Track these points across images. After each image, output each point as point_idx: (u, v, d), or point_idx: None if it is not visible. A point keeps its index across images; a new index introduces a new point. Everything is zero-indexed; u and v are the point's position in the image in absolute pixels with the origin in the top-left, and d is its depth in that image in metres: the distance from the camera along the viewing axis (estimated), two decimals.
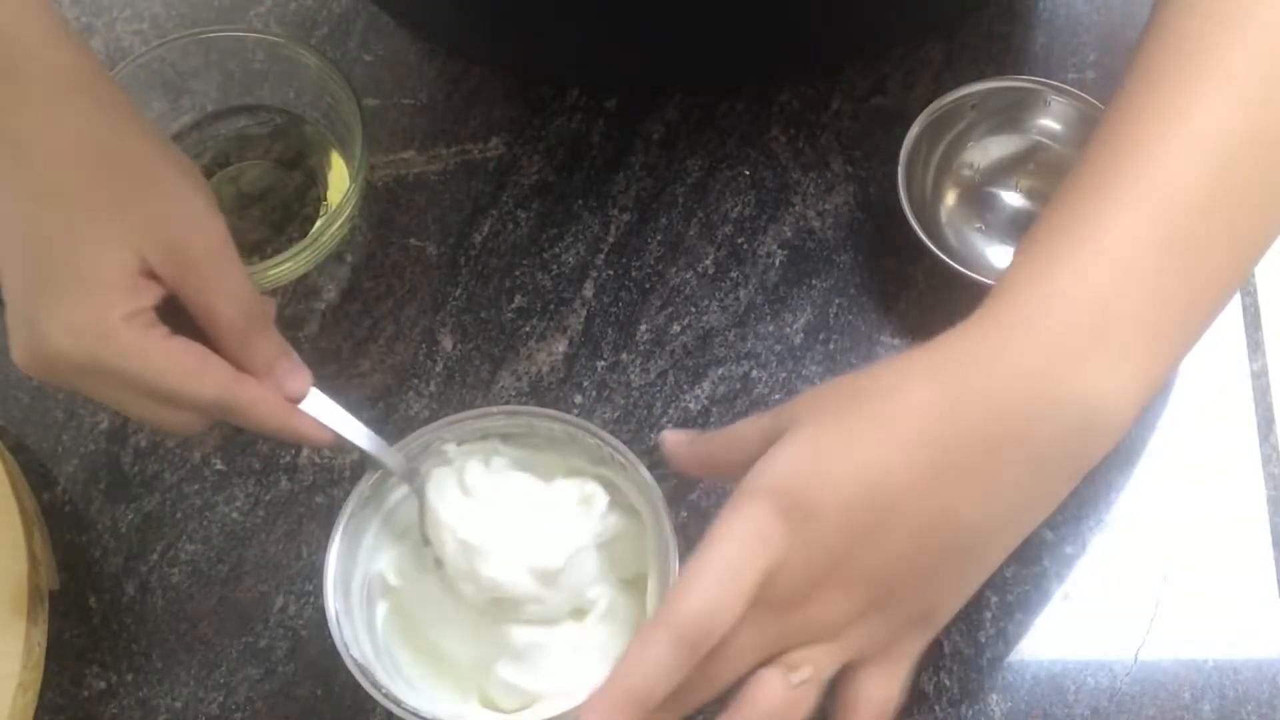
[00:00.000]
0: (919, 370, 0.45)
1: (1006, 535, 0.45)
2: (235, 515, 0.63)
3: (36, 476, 0.64)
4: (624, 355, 0.66)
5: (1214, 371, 0.65)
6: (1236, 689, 0.58)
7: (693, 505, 0.62)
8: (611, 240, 0.69)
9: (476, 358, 0.66)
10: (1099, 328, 0.43)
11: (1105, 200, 0.44)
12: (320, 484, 0.64)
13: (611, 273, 0.68)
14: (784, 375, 0.65)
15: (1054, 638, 0.60)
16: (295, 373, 0.53)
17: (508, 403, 0.65)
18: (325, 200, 0.69)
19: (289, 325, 0.66)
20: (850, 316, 0.67)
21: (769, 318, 0.67)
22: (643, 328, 0.67)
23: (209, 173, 0.69)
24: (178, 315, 0.50)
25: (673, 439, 0.52)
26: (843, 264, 0.68)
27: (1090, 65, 0.72)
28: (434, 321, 0.67)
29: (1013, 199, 0.68)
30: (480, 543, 0.54)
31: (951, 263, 0.62)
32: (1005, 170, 0.68)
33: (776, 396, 0.65)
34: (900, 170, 0.64)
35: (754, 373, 0.65)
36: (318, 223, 0.68)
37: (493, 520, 0.55)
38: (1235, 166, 0.43)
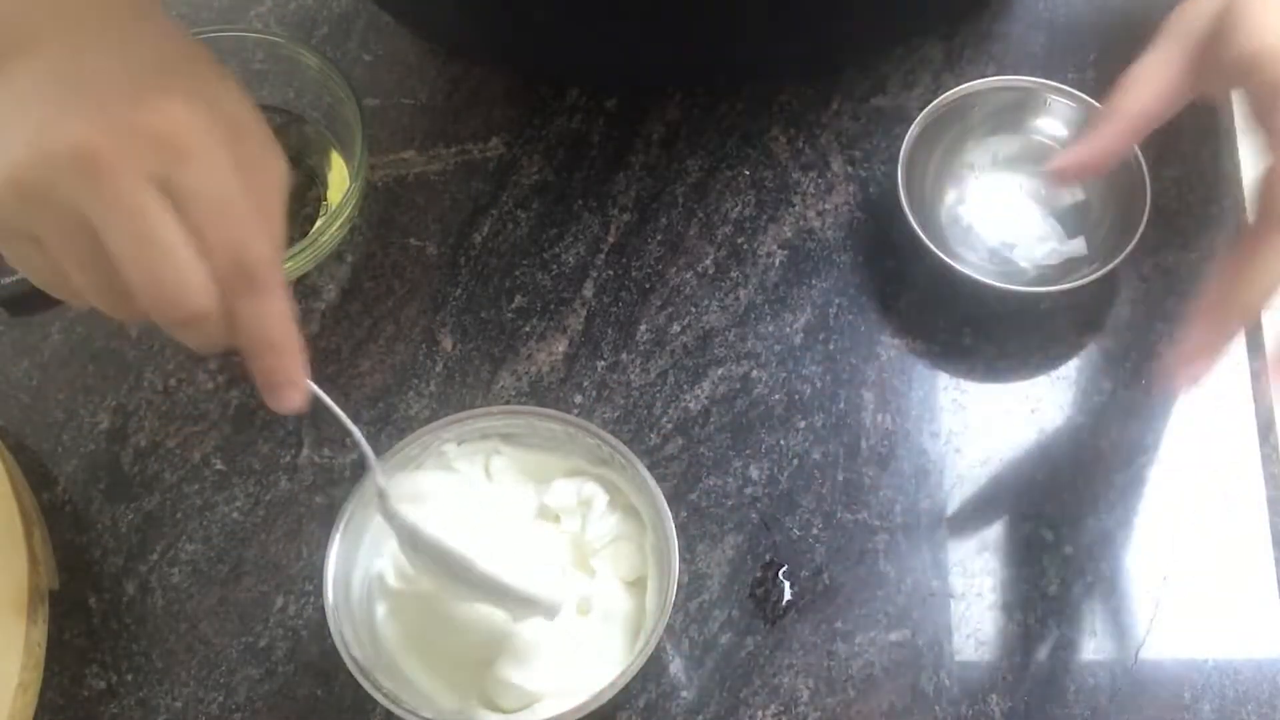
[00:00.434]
0: None
1: None
2: (235, 515, 0.63)
3: (36, 476, 0.64)
4: (624, 355, 0.66)
5: (1214, 371, 0.64)
6: (1236, 689, 0.58)
7: (693, 505, 0.62)
8: (611, 240, 0.69)
9: (476, 358, 0.66)
10: None
11: None
12: (320, 484, 0.64)
13: (611, 273, 0.68)
14: (784, 375, 0.65)
15: (1054, 638, 0.60)
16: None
17: (508, 403, 0.65)
18: (325, 200, 0.69)
19: None
20: (850, 316, 0.67)
21: (769, 318, 0.67)
22: (643, 328, 0.67)
23: None
24: None
25: (1063, 162, 0.54)
26: (843, 264, 0.68)
27: (1090, 65, 0.72)
28: (434, 321, 0.67)
29: (1013, 199, 0.68)
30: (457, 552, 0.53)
31: (951, 263, 0.62)
32: (1005, 170, 0.68)
33: (776, 396, 0.65)
34: (900, 170, 0.64)
35: (754, 373, 0.65)
36: (318, 223, 0.68)
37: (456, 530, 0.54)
38: None
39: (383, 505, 0.53)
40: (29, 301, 0.68)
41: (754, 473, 0.63)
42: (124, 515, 0.64)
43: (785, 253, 0.68)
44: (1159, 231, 0.67)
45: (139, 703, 0.60)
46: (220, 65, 0.48)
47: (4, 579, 0.59)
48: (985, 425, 0.64)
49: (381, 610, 0.57)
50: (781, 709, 0.58)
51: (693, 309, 0.67)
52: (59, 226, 0.42)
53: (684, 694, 0.59)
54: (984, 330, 0.66)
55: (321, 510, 0.63)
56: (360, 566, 0.57)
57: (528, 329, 0.67)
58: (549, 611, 0.53)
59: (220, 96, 0.45)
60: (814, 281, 0.67)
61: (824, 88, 0.72)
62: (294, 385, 0.47)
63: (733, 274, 0.68)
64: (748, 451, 0.64)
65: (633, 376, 0.66)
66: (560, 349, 0.66)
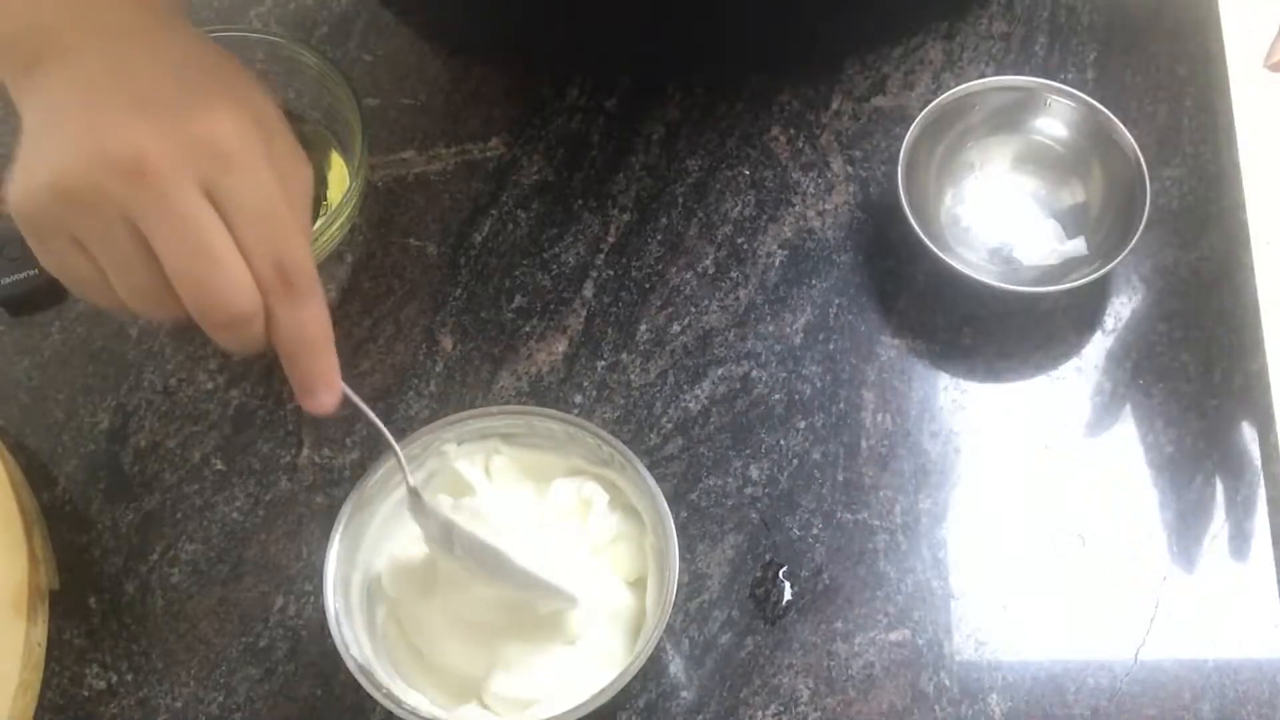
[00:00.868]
0: None
1: None
2: (235, 515, 0.63)
3: (36, 476, 0.64)
4: (624, 355, 0.66)
5: (1213, 370, 0.65)
6: (1236, 689, 0.58)
7: (693, 505, 0.62)
8: (611, 240, 0.69)
9: (476, 358, 0.66)
10: None
11: None
12: (320, 484, 0.64)
13: (611, 273, 0.68)
14: (784, 375, 0.65)
15: (1054, 638, 0.60)
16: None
17: (508, 403, 0.65)
18: (325, 200, 0.69)
19: None
20: (850, 316, 0.67)
21: (769, 318, 0.67)
22: (643, 328, 0.67)
23: None
24: None
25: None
26: (843, 264, 0.68)
27: (1090, 65, 0.72)
28: (434, 321, 0.67)
29: (1013, 199, 0.68)
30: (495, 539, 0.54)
31: (951, 263, 0.62)
32: (1005, 170, 0.68)
33: (776, 396, 0.65)
34: (900, 170, 0.64)
35: (754, 373, 0.65)
36: (318, 223, 0.68)
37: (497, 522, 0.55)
38: None
39: (416, 504, 0.54)
40: (29, 301, 0.68)
41: (754, 473, 0.63)
42: (124, 515, 0.64)
43: (785, 253, 0.68)
44: (1159, 231, 0.67)
45: (139, 703, 0.60)
46: (249, 71, 0.48)
47: (4, 579, 0.59)
48: (985, 425, 0.64)
49: (381, 612, 0.57)
50: (781, 709, 0.58)
51: (693, 309, 0.67)
52: (104, 230, 0.43)
53: (684, 694, 0.59)
54: (984, 330, 0.66)
55: (321, 510, 0.63)
56: (360, 567, 0.57)
57: (528, 329, 0.67)
58: (572, 602, 0.54)
59: (256, 103, 0.47)
60: (814, 281, 0.67)
61: (824, 88, 0.72)
62: (329, 388, 0.48)
63: (733, 274, 0.68)
64: (748, 451, 0.64)
65: (633, 376, 0.65)
66: (560, 349, 0.66)
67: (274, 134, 0.46)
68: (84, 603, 0.62)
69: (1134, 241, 0.62)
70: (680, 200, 0.70)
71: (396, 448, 0.54)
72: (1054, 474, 0.63)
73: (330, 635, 0.53)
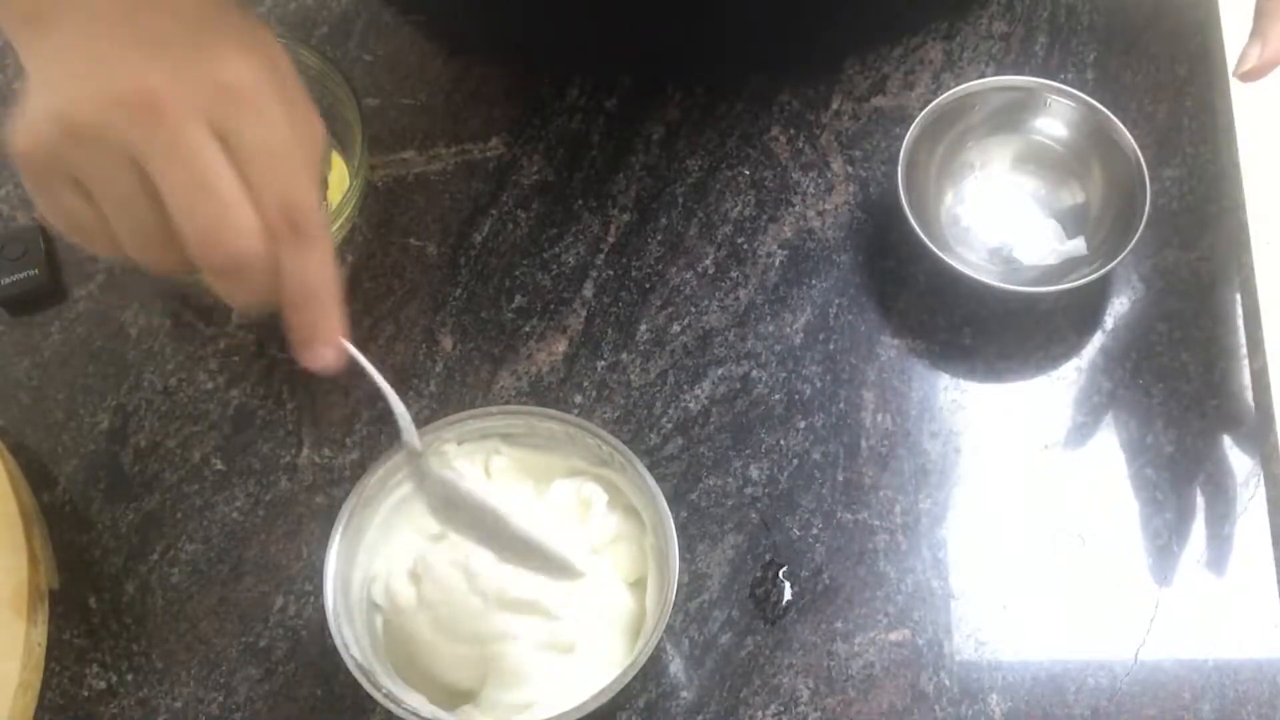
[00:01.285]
0: None
1: None
2: (235, 515, 0.63)
3: (36, 476, 0.64)
4: (624, 355, 0.66)
5: (1213, 370, 0.65)
6: (1236, 689, 0.58)
7: (693, 505, 0.62)
8: (611, 240, 0.69)
9: (476, 358, 0.66)
10: None
11: None
12: (320, 484, 0.64)
13: (611, 273, 0.68)
14: (784, 375, 0.65)
15: (1054, 638, 0.60)
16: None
17: (508, 403, 0.65)
18: (325, 200, 0.69)
19: None
20: (850, 316, 0.67)
21: (769, 318, 0.67)
22: (643, 328, 0.67)
23: None
24: None
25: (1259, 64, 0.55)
26: (843, 264, 0.68)
27: (1090, 65, 0.72)
28: (434, 321, 0.67)
29: (1013, 199, 0.68)
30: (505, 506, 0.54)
31: (952, 263, 0.62)
32: (1005, 170, 0.68)
33: (776, 396, 0.65)
34: (900, 170, 0.64)
35: (754, 373, 0.65)
36: None
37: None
38: None
39: (417, 465, 0.53)
40: (29, 301, 0.68)
41: (754, 473, 0.63)
42: (124, 515, 0.63)
43: (785, 253, 0.68)
44: (1159, 231, 0.67)
45: (139, 703, 0.60)
46: (261, 21, 0.48)
47: (4, 579, 0.59)
48: (985, 425, 0.64)
49: (379, 620, 0.57)
50: (781, 709, 0.58)
51: (693, 309, 0.67)
52: (110, 169, 0.43)
53: (684, 694, 0.59)
54: (984, 330, 0.66)
55: (321, 510, 0.63)
56: (360, 567, 0.56)
57: (528, 329, 0.67)
58: (573, 574, 0.54)
59: (269, 48, 0.46)
60: (814, 281, 0.67)
61: (824, 88, 0.72)
62: (330, 342, 0.47)
63: (733, 274, 0.68)
64: (748, 451, 0.64)
65: (633, 376, 0.65)
66: (560, 349, 0.66)
67: (288, 88, 0.46)
68: (84, 603, 0.62)
69: (1134, 241, 0.62)
70: (680, 200, 0.70)
71: (402, 409, 0.52)
72: (1054, 474, 0.63)
73: (330, 635, 0.53)
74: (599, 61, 0.72)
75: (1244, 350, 0.65)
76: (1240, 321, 0.65)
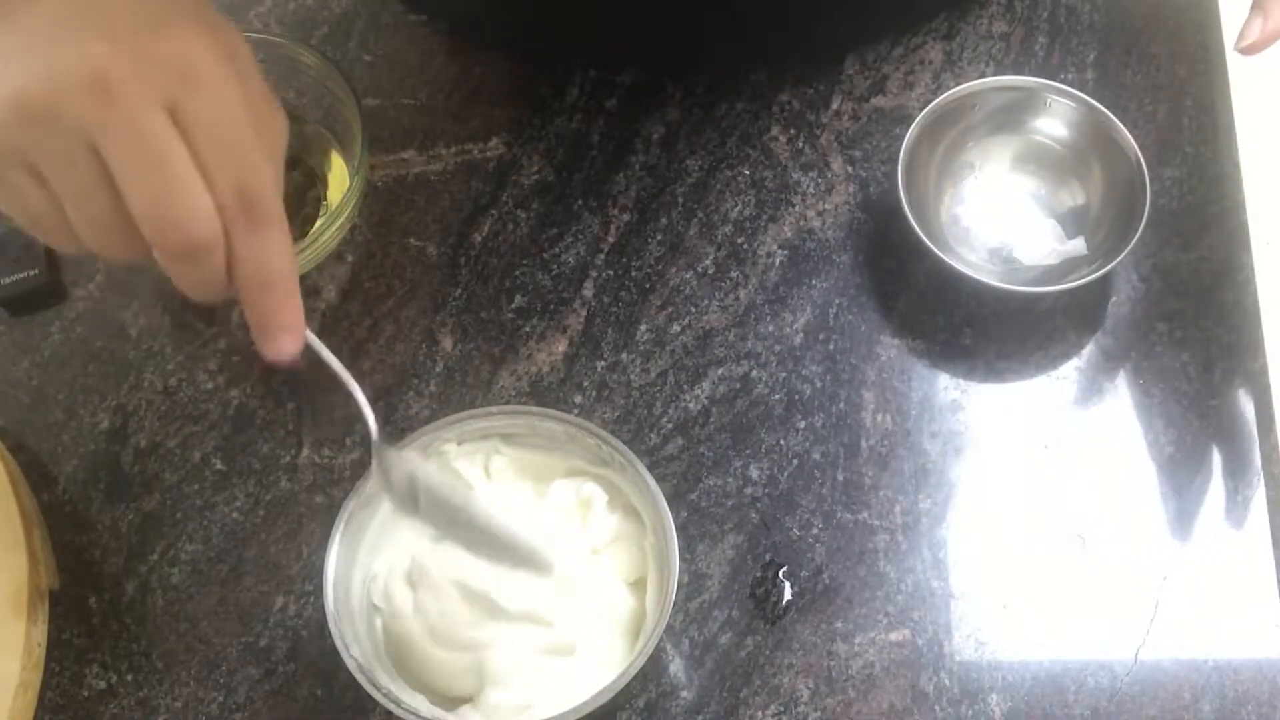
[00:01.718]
0: None
1: None
2: (235, 515, 0.63)
3: (36, 476, 0.64)
4: (624, 355, 0.66)
5: (1213, 370, 0.65)
6: (1236, 689, 0.58)
7: (693, 505, 0.62)
8: (611, 240, 0.69)
9: (476, 358, 0.66)
10: None
11: None
12: (320, 484, 0.64)
13: (611, 273, 0.68)
14: (784, 375, 0.65)
15: (1054, 638, 0.60)
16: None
17: (508, 403, 0.65)
18: (325, 200, 0.69)
19: None
20: (850, 316, 0.67)
21: (769, 318, 0.67)
22: (643, 328, 0.67)
23: None
24: None
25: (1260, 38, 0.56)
26: (843, 264, 0.68)
27: (1090, 65, 0.72)
28: (434, 321, 0.67)
29: (1013, 199, 0.68)
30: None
31: (952, 263, 0.62)
32: (1005, 170, 0.68)
33: (776, 396, 0.65)
34: (900, 170, 0.64)
35: (754, 373, 0.65)
36: (318, 223, 0.68)
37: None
38: None
39: (380, 454, 0.52)
40: (29, 301, 0.68)
41: (754, 473, 0.63)
42: (124, 515, 0.64)
43: (785, 253, 0.68)
44: (1159, 231, 0.67)
45: (139, 703, 0.60)
46: (226, 18, 0.47)
47: (4, 579, 0.59)
48: (985, 425, 0.64)
49: (379, 620, 0.57)
50: (781, 709, 0.58)
51: (693, 309, 0.67)
52: (63, 153, 0.42)
53: (684, 694, 0.59)
54: (984, 330, 0.66)
55: (321, 510, 0.63)
56: (360, 566, 0.56)
57: (528, 329, 0.67)
58: (543, 568, 0.53)
59: (231, 39, 0.45)
60: (814, 281, 0.67)
61: (824, 88, 0.72)
62: (289, 330, 0.46)
63: (733, 274, 0.68)
64: (748, 451, 0.64)
65: (633, 376, 0.65)
66: (560, 349, 0.66)
67: (248, 76, 0.45)
68: (84, 603, 0.62)
69: (1134, 241, 0.62)
70: (680, 200, 0.70)
71: (362, 397, 0.51)
72: (1054, 474, 0.63)
73: (330, 635, 0.53)
74: (602, 54, 0.72)
75: (1244, 350, 0.65)
76: (1240, 321, 0.65)
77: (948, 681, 0.59)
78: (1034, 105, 0.67)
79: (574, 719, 0.51)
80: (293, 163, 0.70)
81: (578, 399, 0.65)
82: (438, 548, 0.56)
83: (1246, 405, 0.64)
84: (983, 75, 0.71)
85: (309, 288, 0.68)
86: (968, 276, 0.62)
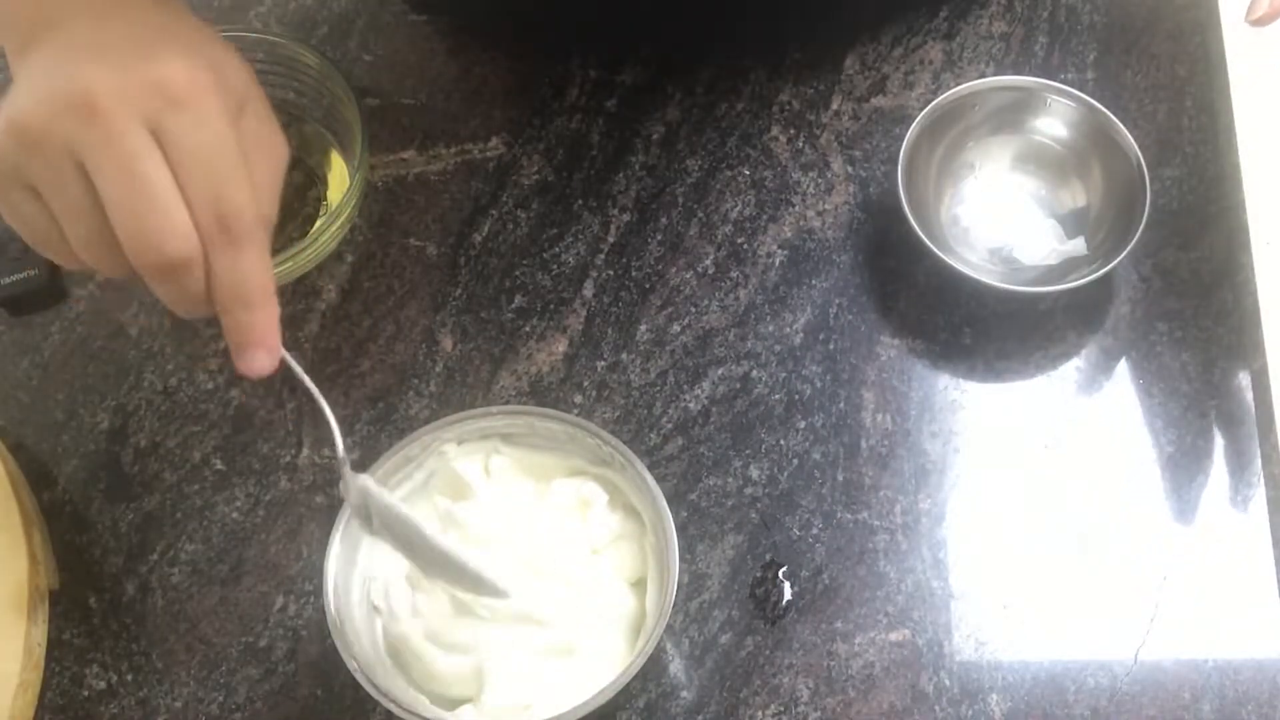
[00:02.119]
0: None
1: None
2: (235, 515, 0.63)
3: (36, 476, 0.64)
4: (624, 355, 0.66)
5: (1213, 370, 0.65)
6: (1236, 689, 0.58)
7: (693, 505, 0.62)
8: (611, 240, 0.69)
9: (476, 358, 0.66)
10: None
11: None
12: (320, 484, 0.64)
13: (611, 273, 0.68)
14: (784, 375, 0.65)
15: (1054, 638, 0.60)
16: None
17: (508, 403, 0.65)
18: (325, 200, 0.69)
19: (289, 325, 0.66)
20: (850, 316, 0.67)
21: (769, 318, 0.67)
22: (643, 328, 0.67)
23: None
24: None
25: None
26: (843, 264, 0.68)
27: (1090, 65, 0.72)
28: (434, 321, 0.67)
29: (1013, 199, 0.68)
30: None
31: (952, 263, 0.62)
32: (1005, 170, 0.68)
33: (776, 396, 0.65)
34: (900, 170, 0.64)
35: (754, 373, 0.65)
36: (318, 222, 0.68)
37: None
38: None
39: (341, 471, 0.53)
40: (29, 301, 0.68)
41: (754, 473, 0.63)
42: (124, 515, 0.64)
43: (785, 253, 0.68)
44: (1159, 231, 0.67)
45: (139, 703, 0.60)
46: (231, 46, 0.49)
47: (4, 579, 0.59)
48: (985, 425, 0.64)
49: (379, 620, 0.57)
50: (781, 709, 0.58)
51: (693, 309, 0.67)
52: (56, 172, 0.43)
53: (684, 694, 0.59)
54: (984, 330, 0.66)
55: (321, 510, 0.63)
56: (360, 567, 0.56)
57: (528, 329, 0.67)
58: (497, 594, 0.53)
59: (226, 68, 0.47)
60: (814, 281, 0.67)
61: (824, 88, 0.72)
62: (264, 346, 0.47)
63: (733, 274, 0.68)
64: (748, 451, 0.64)
65: (633, 376, 0.65)
66: (560, 349, 0.66)
67: (242, 101, 0.47)
68: (84, 603, 0.62)
69: (1134, 241, 0.62)
70: (680, 200, 0.70)
71: (331, 417, 0.52)
72: (1054, 474, 0.63)
73: (330, 635, 0.53)
74: (602, 48, 0.72)
75: (1244, 350, 0.65)
76: (1240, 321, 0.65)
77: (948, 681, 0.59)
78: (1034, 105, 0.67)
79: (574, 719, 0.51)
80: (293, 163, 0.69)
81: (578, 399, 0.65)
82: None
83: (1246, 405, 0.64)
84: (983, 75, 0.71)
85: (309, 288, 0.68)
86: (968, 276, 0.62)
